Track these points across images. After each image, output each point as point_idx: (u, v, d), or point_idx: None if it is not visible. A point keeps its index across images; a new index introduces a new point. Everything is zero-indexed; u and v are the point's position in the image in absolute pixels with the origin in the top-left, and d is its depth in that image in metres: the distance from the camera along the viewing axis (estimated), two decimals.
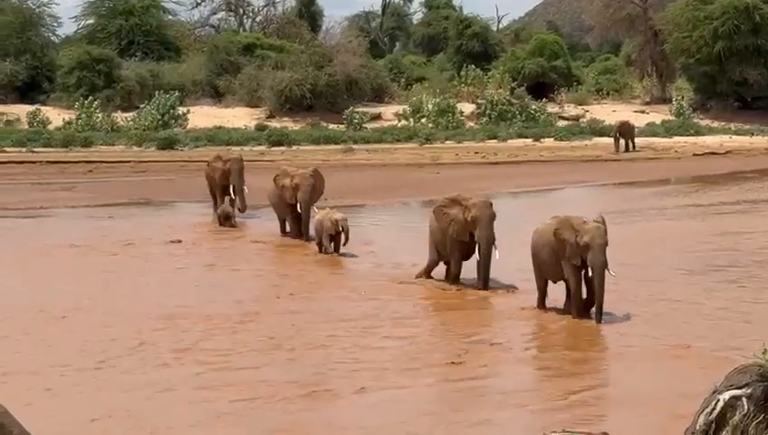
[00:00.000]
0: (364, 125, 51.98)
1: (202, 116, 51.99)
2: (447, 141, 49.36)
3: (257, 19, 73.99)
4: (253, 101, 55.24)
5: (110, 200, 31.16)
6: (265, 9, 73.79)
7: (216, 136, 47.54)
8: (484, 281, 17.61)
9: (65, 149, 44.57)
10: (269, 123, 51.61)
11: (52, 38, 61.65)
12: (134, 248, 21.86)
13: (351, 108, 52.99)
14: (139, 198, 32.02)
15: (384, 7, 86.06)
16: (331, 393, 12.09)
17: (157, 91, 51.44)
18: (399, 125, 52.31)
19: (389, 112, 54.96)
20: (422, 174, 38.94)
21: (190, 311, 15.93)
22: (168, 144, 45.70)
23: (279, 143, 47.16)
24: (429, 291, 17.82)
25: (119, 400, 11.62)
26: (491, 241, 17.51)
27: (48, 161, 41.55)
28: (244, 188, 26.19)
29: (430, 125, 52.07)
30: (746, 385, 5.90)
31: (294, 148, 46.70)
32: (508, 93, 55.58)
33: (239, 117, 52.93)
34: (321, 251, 21.57)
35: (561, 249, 15.37)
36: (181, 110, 51.29)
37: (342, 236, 21.09)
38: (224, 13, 74.56)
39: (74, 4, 63.40)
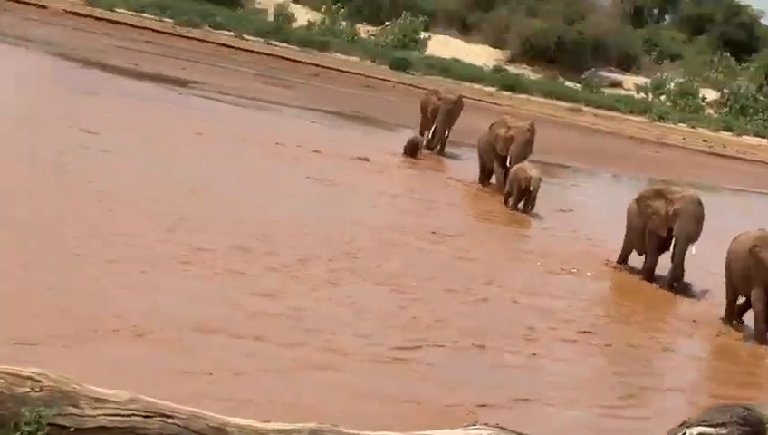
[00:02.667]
0: (602, 89, 50.78)
1: (443, 45, 51.82)
2: (680, 124, 47.76)
3: None
4: (497, 42, 54.64)
5: (322, 106, 31.31)
6: None
7: (449, 67, 47.33)
8: (671, 279, 16.36)
9: (301, 49, 45.07)
10: (508, 67, 50.98)
11: None
12: (319, 156, 21.68)
13: (593, 69, 51.85)
14: (351, 110, 32.05)
15: None
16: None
17: (406, 12, 51.43)
18: (637, 97, 50.87)
19: (631, 82, 53.55)
20: (641, 150, 37.77)
21: (289, 223, 15.23)
22: (401, 66, 45.65)
23: (511, 88, 46.49)
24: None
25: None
26: (690, 238, 16.14)
27: (279, 56, 42.14)
28: (447, 131, 25.68)
29: (668, 103, 50.47)
30: (722, 425, 5.32)
31: (523, 96, 45.93)
32: (755, 89, 53.26)
33: (479, 55, 52.47)
34: (506, 203, 20.75)
35: (758, 268, 14.22)
36: (423, 35, 51.18)
37: (531, 195, 20.11)
38: None
39: None
